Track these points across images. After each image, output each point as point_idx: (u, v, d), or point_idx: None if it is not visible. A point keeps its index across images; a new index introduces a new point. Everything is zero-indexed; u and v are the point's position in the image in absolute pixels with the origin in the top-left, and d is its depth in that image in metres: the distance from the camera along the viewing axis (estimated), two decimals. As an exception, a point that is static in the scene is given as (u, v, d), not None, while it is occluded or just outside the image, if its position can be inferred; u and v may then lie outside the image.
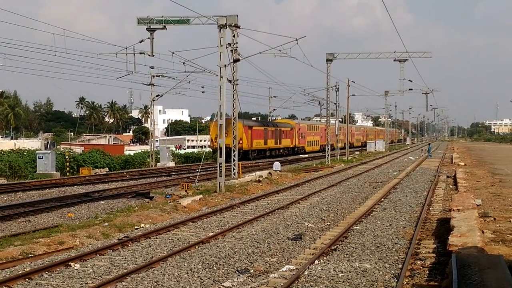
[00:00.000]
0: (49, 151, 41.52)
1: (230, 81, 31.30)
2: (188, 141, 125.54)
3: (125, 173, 40.03)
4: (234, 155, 31.79)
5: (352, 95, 64.96)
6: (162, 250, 14.54)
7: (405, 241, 15.57)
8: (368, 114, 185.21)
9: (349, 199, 25.14)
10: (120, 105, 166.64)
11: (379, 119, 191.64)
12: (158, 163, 50.48)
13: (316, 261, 13.11)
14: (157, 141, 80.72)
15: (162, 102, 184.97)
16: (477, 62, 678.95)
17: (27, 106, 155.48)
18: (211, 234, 16.53)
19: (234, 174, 31.90)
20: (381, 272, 12.25)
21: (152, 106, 54.08)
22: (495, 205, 21.79)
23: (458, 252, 11.95)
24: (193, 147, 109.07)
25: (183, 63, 37.45)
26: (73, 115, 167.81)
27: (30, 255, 13.85)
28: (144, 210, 20.93)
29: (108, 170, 44.23)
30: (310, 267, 12.56)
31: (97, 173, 40.17)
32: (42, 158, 38.33)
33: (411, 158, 62.72)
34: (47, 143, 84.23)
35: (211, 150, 53.67)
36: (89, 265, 12.94)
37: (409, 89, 72.36)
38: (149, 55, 32.76)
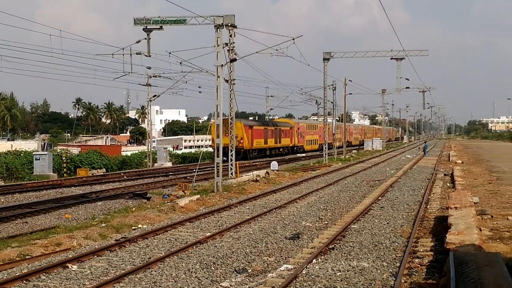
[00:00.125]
0: (46, 153, 41.45)
1: (227, 80, 31.27)
2: (185, 141, 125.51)
3: (122, 174, 39.99)
4: (232, 155, 31.76)
5: (349, 94, 65.36)
6: (160, 251, 14.52)
7: (402, 240, 15.57)
8: (365, 113, 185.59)
9: (346, 198, 25.14)
10: (117, 105, 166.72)
11: (376, 118, 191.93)
12: (155, 164, 50.46)
13: (314, 260, 13.10)
14: (154, 141, 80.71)
15: (159, 103, 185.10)
16: (474, 60, 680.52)
17: (24, 107, 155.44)
18: (208, 234, 16.51)
19: (232, 173, 31.88)
20: (379, 271, 12.25)
21: (149, 106, 54.05)
22: (492, 202, 21.82)
23: (455, 250, 11.96)
24: (191, 147, 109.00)
25: (180, 63, 37.46)
26: (70, 116, 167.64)
27: (27, 257, 13.83)
28: (142, 210, 20.90)
29: (105, 171, 44.17)
30: (308, 266, 12.56)
31: (94, 174, 40.10)
32: (39, 159, 38.28)
33: (409, 156, 62.76)
34: (44, 144, 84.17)
35: (212, 150, 53.81)
36: (86, 266, 12.92)
37: (406, 88, 72.55)
38: (145, 56, 32.81)
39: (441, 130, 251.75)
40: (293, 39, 32.79)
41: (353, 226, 17.74)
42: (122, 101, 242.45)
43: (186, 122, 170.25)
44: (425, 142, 74.76)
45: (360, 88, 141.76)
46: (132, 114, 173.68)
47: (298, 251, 14.49)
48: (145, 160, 51.32)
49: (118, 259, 13.62)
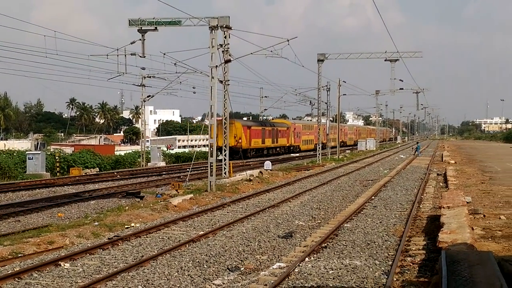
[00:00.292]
0: (39, 152, 41.35)
1: (221, 81, 31.27)
2: (179, 141, 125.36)
3: (115, 173, 39.91)
4: (225, 154, 31.75)
5: (343, 94, 65.40)
6: (153, 249, 14.51)
7: (395, 238, 15.60)
8: (359, 114, 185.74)
9: (339, 197, 25.18)
10: (111, 106, 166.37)
11: (370, 118, 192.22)
12: (148, 163, 50.39)
13: (307, 259, 13.12)
14: (148, 141, 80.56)
15: (153, 103, 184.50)
16: (467, 61, 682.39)
17: (18, 107, 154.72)
18: (201, 232, 16.51)
19: (225, 173, 31.87)
20: (371, 269, 12.28)
21: (143, 106, 54.00)
22: (485, 202, 21.89)
23: (448, 249, 11.99)
24: (184, 147, 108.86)
25: (175, 64, 37.51)
26: (63, 116, 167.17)
27: (19, 255, 13.79)
28: (135, 209, 20.87)
29: (98, 170, 44.09)
30: (300, 264, 12.58)
31: (88, 173, 40.02)
32: (32, 158, 38.16)
33: (402, 156, 62.88)
34: (37, 143, 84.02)
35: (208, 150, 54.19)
36: (79, 264, 12.90)
37: (400, 89, 72.66)
38: (140, 56, 32.80)
39: (434, 131, 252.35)
40: (288, 41, 32.84)
41: (346, 225, 17.78)
42: (116, 101, 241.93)
43: (180, 122, 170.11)
44: (417, 143, 74.88)
45: (354, 89, 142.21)
46: (126, 114, 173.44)
47: (291, 250, 14.51)
48: (139, 159, 51.25)
49: (111, 257, 13.61)
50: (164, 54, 34.31)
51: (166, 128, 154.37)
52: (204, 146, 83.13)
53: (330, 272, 12.00)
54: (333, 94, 60.85)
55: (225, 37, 30.08)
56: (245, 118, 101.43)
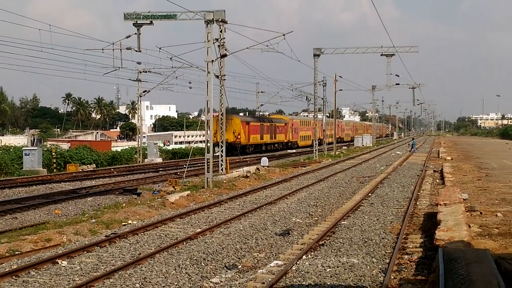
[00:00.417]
0: (36, 148, 41.25)
1: (217, 76, 31.27)
2: (175, 137, 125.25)
3: (112, 170, 39.89)
4: (222, 150, 31.75)
5: (340, 90, 65.39)
6: (150, 247, 14.51)
7: (392, 236, 15.63)
8: (355, 109, 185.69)
9: (336, 194, 25.20)
10: (107, 101, 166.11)
11: (366, 114, 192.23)
12: (145, 159, 50.35)
13: (304, 257, 13.14)
14: (144, 137, 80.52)
15: (149, 98, 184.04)
16: (463, 56, 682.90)
17: (13, 102, 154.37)
18: (199, 230, 16.51)
19: (222, 169, 31.87)
20: (368, 267, 12.30)
21: (139, 101, 53.92)
22: (481, 199, 21.93)
23: (445, 247, 12.01)
24: (181, 143, 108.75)
25: (170, 58, 37.45)
26: (59, 111, 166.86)
27: (16, 253, 13.78)
28: (132, 206, 20.86)
29: (95, 166, 44.02)
30: (298, 262, 12.59)
31: (84, 170, 39.98)
32: (28, 154, 38.08)
33: (398, 152, 62.95)
34: (34, 139, 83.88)
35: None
36: (76, 262, 12.89)
37: (396, 84, 72.66)
38: (136, 51, 32.76)
39: (430, 127, 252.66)
40: (284, 35, 32.78)
41: (343, 222, 17.79)
42: (112, 97, 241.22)
43: (176, 117, 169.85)
44: (413, 139, 74.99)
45: (350, 84, 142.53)
46: (122, 110, 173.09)
47: (288, 247, 14.52)
48: (135, 155, 51.21)
49: (108, 255, 13.61)
50: (160, 48, 34.27)
51: (162, 124, 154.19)
52: (201, 142, 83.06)
53: (328, 270, 12.02)
54: (329, 89, 61.21)
55: (221, 31, 30.05)
56: (241, 114, 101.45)
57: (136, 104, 76.30)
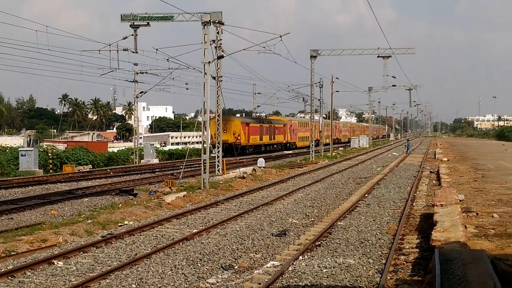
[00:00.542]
0: (32, 149, 41.13)
1: (214, 77, 31.24)
2: (172, 137, 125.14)
3: (108, 170, 39.82)
4: (219, 151, 31.72)
5: (336, 91, 65.30)
6: (146, 247, 14.49)
7: (388, 237, 15.64)
8: (352, 110, 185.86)
9: (333, 195, 25.21)
10: (104, 102, 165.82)
11: (363, 115, 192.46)
12: (142, 160, 50.28)
13: (300, 257, 13.14)
14: (141, 138, 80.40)
15: (145, 99, 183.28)
16: (460, 58, 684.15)
17: (10, 103, 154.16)
18: (195, 230, 16.50)
19: (219, 170, 31.85)
20: (365, 268, 12.30)
21: (135, 102, 53.89)
22: (477, 200, 21.97)
23: (441, 247, 12.03)
24: (177, 143, 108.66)
25: (167, 59, 37.40)
26: (56, 112, 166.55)
27: (12, 253, 13.75)
28: (128, 207, 20.84)
29: (91, 167, 43.95)
30: (294, 263, 12.59)
31: (81, 170, 39.92)
32: (24, 155, 37.99)
33: (395, 154, 63.00)
34: (30, 140, 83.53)
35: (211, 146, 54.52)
36: (72, 262, 12.87)
37: (393, 85, 72.55)
38: (132, 52, 32.69)
39: (427, 128, 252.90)
40: (281, 37, 32.82)
41: (339, 223, 17.80)
42: (109, 98, 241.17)
43: (173, 118, 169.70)
44: (408, 140, 75.00)
45: (347, 85, 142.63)
46: (118, 111, 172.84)
47: (285, 248, 14.52)
48: (132, 156, 51.14)
49: (104, 255, 13.59)
50: (157, 50, 34.22)
51: (159, 125, 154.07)
52: (197, 143, 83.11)
53: (324, 270, 12.02)
54: (326, 90, 61.15)
55: (218, 33, 30.02)
56: (238, 115, 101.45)
57: (132, 105, 76.27)
